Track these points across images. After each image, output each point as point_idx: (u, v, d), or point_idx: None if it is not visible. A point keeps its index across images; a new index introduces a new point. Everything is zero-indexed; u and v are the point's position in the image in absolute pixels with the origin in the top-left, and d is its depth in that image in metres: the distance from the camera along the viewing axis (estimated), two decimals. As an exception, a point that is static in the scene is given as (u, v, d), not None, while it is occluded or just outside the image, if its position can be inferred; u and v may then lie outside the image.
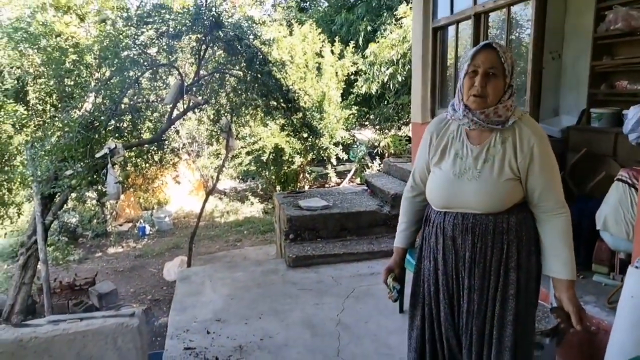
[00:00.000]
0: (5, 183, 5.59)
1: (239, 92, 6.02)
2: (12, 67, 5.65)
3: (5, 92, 5.53)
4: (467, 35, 4.19)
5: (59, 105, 5.63)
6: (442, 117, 1.71)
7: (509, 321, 1.56)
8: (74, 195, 5.16)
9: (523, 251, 1.57)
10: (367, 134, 12.56)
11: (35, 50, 5.35)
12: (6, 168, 5.47)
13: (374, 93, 10.14)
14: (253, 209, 11.51)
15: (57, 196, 5.19)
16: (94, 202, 6.72)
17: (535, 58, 3.01)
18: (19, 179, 5.41)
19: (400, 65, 9.45)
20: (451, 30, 4.46)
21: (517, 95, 3.48)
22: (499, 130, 1.54)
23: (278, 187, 10.74)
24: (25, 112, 5.53)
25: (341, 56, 10.59)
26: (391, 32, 9.81)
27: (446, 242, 1.61)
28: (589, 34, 3.50)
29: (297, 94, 6.30)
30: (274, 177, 10.85)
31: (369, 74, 9.98)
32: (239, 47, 5.21)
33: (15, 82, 5.69)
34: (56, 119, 5.14)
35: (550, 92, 4.04)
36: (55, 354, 2.18)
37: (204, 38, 5.18)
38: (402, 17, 9.46)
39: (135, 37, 5.06)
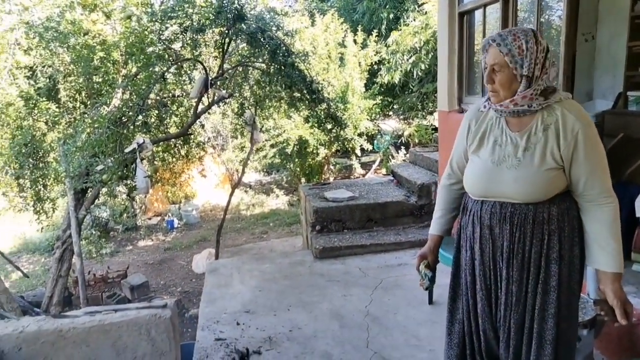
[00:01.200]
0: (40, 179, 5.77)
1: (263, 84, 6.03)
2: (44, 66, 5.81)
3: (38, 90, 5.70)
4: (495, 19, 4.06)
5: (89, 102, 5.76)
6: (480, 104, 1.67)
7: (550, 314, 1.52)
8: (105, 190, 5.29)
9: (565, 242, 1.51)
10: (391, 124, 12.44)
11: (65, 49, 5.48)
12: (41, 164, 5.65)
13: (397, 82, 10.00)
14: (278, 201, 11.58)
15: (89, 191, 5.33)
16: (124, 196, 6.88)
17: (568, 40, 2.89)
18: (53, 175, 5.58)
19: (423, 53, 9.28)
20: (478, 14, 4.33)
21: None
22: (539, 116, 1.49)
23: (303, 179, 10.76)
24: (57, 110, 5.68)
25: (364, 45, 10.47)
26: (414, 20, 9.64)
27: (483, 231, 1.57)
28: (625, 13, 3.34)
29: (320, 85, 6.27)
30: (298, 169, 10.87)
31: (392, 63, 9.84)
32: (262, 39, 5.21)
33: (47, 80, 5.84)
34: (86, 115, 5.26)
35: (583, 76, 3.89)
36: (92, 344, 2.24)
37: (227, 31, 5.20)
38: (424, 3, 9.27)
39: (160, 32, 5.12)
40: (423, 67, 9.38)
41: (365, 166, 12.05)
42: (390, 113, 12.34)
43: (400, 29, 9.72)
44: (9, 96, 5.41)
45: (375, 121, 11.34)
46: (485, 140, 1.59)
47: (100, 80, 5.66)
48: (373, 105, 10.52)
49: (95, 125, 4.74)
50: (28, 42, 5.71)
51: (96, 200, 5.78)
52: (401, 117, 11.68)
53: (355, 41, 10.25)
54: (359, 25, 10.98)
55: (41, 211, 6.06)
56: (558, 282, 1.51)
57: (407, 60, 9.48)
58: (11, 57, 5.60)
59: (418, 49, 9.32)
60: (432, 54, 8.90)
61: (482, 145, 1.59)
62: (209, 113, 6.90)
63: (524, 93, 1.45)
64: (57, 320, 2.28)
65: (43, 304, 5.46)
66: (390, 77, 9.82)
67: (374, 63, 10.45)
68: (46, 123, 5.68)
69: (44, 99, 5.63)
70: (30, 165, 5.60)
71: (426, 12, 9.27)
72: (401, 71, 9.66)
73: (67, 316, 2.35)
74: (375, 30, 10.86)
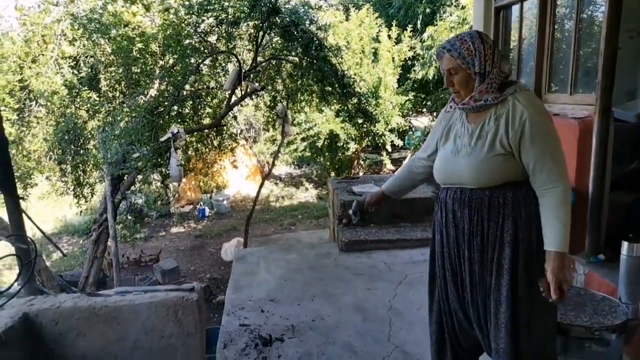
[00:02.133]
0: (80, 165, 6.03)
1: (295, 77, 6.08)
2: (86, 57, 6.05)
3: (80, 80, 5.94)
4: (533, 15, 3.95)
5: (127, 92, 5.96)
6: (450, 104, 1.82)
7: (504, 297, 1.59)
8: (140, 177, 5.48)
9: (522, 227, 1.58)
10: (423, 121, 12.29)
11: (107, 40, 5.68)
12: (81, 151, 5.90)
13: (431, 78, 9.86)
14: (307, 194, 11.66)
15: (125, 177, 5.54)
16: (159, 184, 7.10)
17: (610, 37, 2.78)
18: (92, 161, 5.81)
19: (459, 49, 9.10)
20: (515, 10, 4.22)
21: (589, 78, 3.26)
22: (494, 108, 1.60)
23: (332, 174, 10.79)
24: (98, 99, 5.91)
25: (398, 41, 10.36)
26: (450, 15, 9.46)
27: (448, 215, 1.71)
28: (674, 10, 3.19)
29: (352, 79, 6.27)
30: (328, 163, 10.91)
31: (426, 59, 9.70)
32: (295, 33, 5.25)
33: (89, 70, 6.08)
34: (124, 105, 5.46)
35: (625, 75, 3.72)
36: (122, 322, 2.35)
37: (261, 24, 5.27)
38: (462, -3, 9.10)
39: (197, 25, 5.24)
40: (458, 64, 9.19)
41: (396, 162, 11.96)
42: (423, 110, 12.18)
43: (437, 24, 9.56)
44: (54, 85, 5.66)
45: (407, 117, 11.23)
46: (450, 134, 1.74)
47: (139, 70, 5.85)
48: (405, 101, 10.42)
49: (133, 115, 4.91)
50: (73, 33, 5.95)
51: (132, 187, 6.00)
52: (434, 113, 11.51)
53: (389, 36, 10.15)
54: (394, 20, 10.86)
55: (80, 195, 6.34)
56: (511, 265, 1.58)
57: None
58: (57, 48, 5.85)
59: (454, 44, 9.15)
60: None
61: (447, 139, 1.74)
62: (241, 105, 7.02)
63: (479, 88, 1.58)
64: (91, 298, 2.40)
65: (79, 284, 5.72)
66: (425, 73, 9.69)
67: (407, 59, 10.33)
68: (87, 111, 5.92)
69: (85, 88, 5.87)
70: (72, 152, 5.85)
71: (463, 7, 9.08)
72: (436, 67, 9.51)
73: (100, 295, 2.47)
74: (410, 25, 10.72)
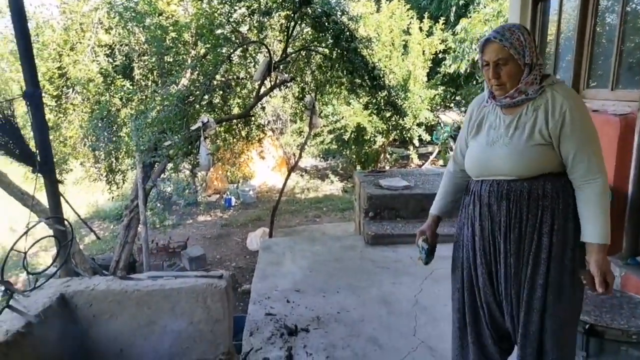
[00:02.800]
0: (113, 152, 6.18)
1: (325, 69, 6.06)
2: (121, 45, 6.17)
3: (115, 68, 6.07)
4: (572, 7, 3.81)
5: (159, 81, 6.06)
6: (482, 95, 1.78)
7: (538, 284, 1.60)
8: (170, 165, 5.58)
9: (559, 217, 1.58)
10: (451, 116, 12.08)
11: (141, 29, 5.78)
12: (114, 138, 6.04)
13: (462, 72, 9.66)
14: (333, 187, 11.66)
15: (156, 165, 5.65)
16: (187, 172, 7.22)
17: (657, 31, 2.67)
18: (124, 149, 5.95)
19: (493, 42, 8.87)
20: (554, 2, 4.08)
21: (632, 73, 3.14)
22: (531, 100, 1.59)
23: (358, 167, 10.75)
24: (131, 87, 6.03)
25: (429, 33, 10.19)
26: (485, 7, 9.22)
27: (482, 209, 1.68)
28: None
29: (382, 72, 6.21)
30: (354, 156, 10.87)
31: (459, 52, 9.50)
32: (326, 23, 5.23)
33: (124, 58, 6.20)
34: (157, 93, 5.55)
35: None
36: (153, 307, 2.41)
37: (292, 15, 5.26)
38: (498, -11, 8.84)
39: (229, 14, 5.27)
40: (492, 57, 8.96)
41: (423, 157, 11.83)
42: (452, 105, 11.97)
43: (470, 16, 9.35)
44: (90, 72, 5.81)
45: (435, 112, 11.06)
46: (483, 126, 1.72)
47: (171, 60, 5.93)
48: (435, 95, 10.26)
49: (165, 103, 4.99)
50: (109, 22, 6.07)
51: (162, 175, 6.11)
52: (463, 109, 11.30)
53: (420, 28, 9.99)
54: (426, 12, 10.68)
55: (113, 182, 6.51)
56: (548, 255, 1.58)
57: (476, 49, 9.11)
58: (94, 36, 5.99)
59: (488, 37, 8.92)
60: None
61: (480, 131, 1.73)
62: (270, 96, 7.05)
63: (527, 79, 1.57)
64: (123, 282, 2.47)
65: (110, 268, 5.89)
66: (457, 67, 9.49)
67: (438, 52, 10.15)
68: (121, 99, 6.05)
69: (120, 76, 5.99)
70: (105, 139, 6.00)
71: (498, -1, 8.85)
72: (468, 61, 9.31)
73: (132, 278, 2.54)
74: (442, 18, 10.52)
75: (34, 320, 2.10)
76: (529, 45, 1.56)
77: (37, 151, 2.75)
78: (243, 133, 7.05)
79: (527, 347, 1.64)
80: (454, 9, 10.72)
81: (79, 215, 3.12)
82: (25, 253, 2.22)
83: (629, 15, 3.44)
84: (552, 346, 1.62)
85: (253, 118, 6.78)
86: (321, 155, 13.28)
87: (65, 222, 2.65)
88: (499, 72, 1.58)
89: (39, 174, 2.78)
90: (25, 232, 2.23)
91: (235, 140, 7.19)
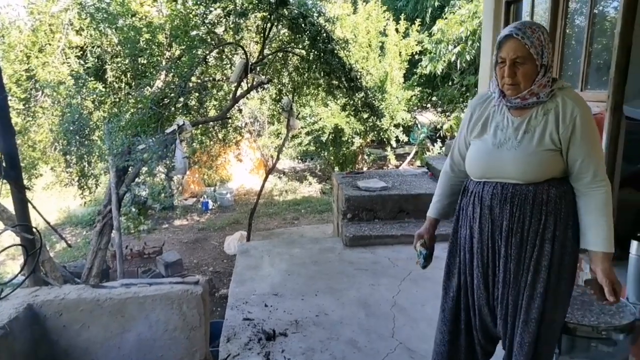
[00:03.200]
0: (85, 156, 6.02)
1: (302, 71, 6.04)
2: (93, 47, 6.02)
3: (87, 70, 5.92)
4: (543, 10, 3.90)
5: (133, 83, 5.94)
6: (484, 93, 1.74)
7: (538, 293, 1.58)
8: (145, 169, 5.47)
9: (560, 224, 1.57)
10: (428, 117, 12.21)
11: (114, 30, 5.65)
12: (86, 142, 5.89)
13: (439, 73, 9.78)
14: (311, 188, 11.64)
15: (130, 169, 5.53)
16: (163, 176, 7.10)
17: (623, 32, 2.74)
18: (97, 153, 5.81)
19: (469, 43, 9.01)
20: (526, 4, 4.16)
21: (600, 74, 3.21)
22: (542, 102, 1.56)
23: (336, 168, 10.76)
24: (104, 90, 5.89)
25: (406, 35, 10.28)
26: (460, 8, 9.36)
27: (483, 211, 1.63)
28: (689, 6, 3.13)
29: (359, 73, 6.23)
30: (332, 157, 10.88)
31: (435, 53, 9.62)
32: (303, 25, 5.21)
33: (96, 60, 6.06)
34: (130, 96, 5.44)
35: (637, 72, 3.68)
36: (127, 315, 2.34)
37: (269, 16, 5.23)
38: (474, -9, 8.99)
39: (204, 16, 5.21)
40: (468, 58, 9.11)
41: (400, 158, 11.92)
42: (428, 105, 12.11)
43: (446, 18, 9.47)
44: (60, 75, 5.64)
45: (412, 113, 11.17)
46: (488, 125, 1.66)
47: (145, 61, 5.82)
48: (411, 96, 10.35)
49: (139, 106, 4.89)
50: (80, 23, 5.92)
51: (136, 179, 5.99)
52: (439, 109, 11.44)
53: (397, 30, 10.08)
54: (402, 14, 10.77)
55: (85, 186, 6.34)
56: (549, 262, 1.56)
57: (452, 50, 9.24)
58: (64, 37, 5.83)
59: (464, 38, 9.06)
60: (478, 44, 8.64)
61: (485, 130, 1.66)
62: (247, 98, 6.99)
63: (541, 81, 1.52)
64: (95, 290, 2.39)
65: (83, 275, 5.74)
66: (433, 67, 9.60)
67: (415, 53, 10.26)
68: (93, 102, 5.90)
69: (92, 78, 5.85)
70: (77, 143, 5.85)
71: (472, 0, 8.98)
72: (444, 61, 9.43)
73: (105, 287, 2.46)
74: (418, 19, 10.63)
75: (-2, 333, 2.01)
76: (547, 45, 1.51)
77: (2, 157, 2.65)
78: (220, 135, 6.97)
79: (520, 355, 1.62)
80: (429, 10, 10.85)
81: (48, 222, 3.02)
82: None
83: (596, 17, 3.53)
84: (543, 351, 1.62)
85: (230, 120, 6.71)
86: (299, 157, 13.25)
87: (34, 230, 2.55)
88: (515, 71, 1.51)
89: (5, 181, 2.67)
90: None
91: (212, 143, 7.11)
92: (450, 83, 10.47)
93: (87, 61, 6.02)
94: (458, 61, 9.23)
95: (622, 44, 2.70)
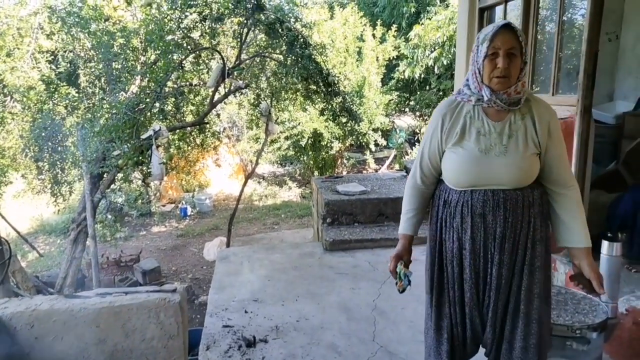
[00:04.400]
0: (58, 162, 5.88)
1: (279, 75, 6.04)
2: (65, 51, 5.90)
3: (59, 75, 5.79)
4: (515, 16, 3.99)
5: (107, 88, 5.83)
6: (451, 99, 1.68)
7: (535, 294, 1.59)
8: (120, 175, 5.37)
9: (544, 224, 1.61)
10: (406, 120, 12.35)
11: (86, 35, 5.55)
12: (59, 148, 5.75)
13: (417, 77, 9.92)
14: (291, 193, 11.62)
15: (105, 176, 5.42)
16: (139, 182, 6.98)
17: (590, 39, 2.82)
18: (70, 159, 5.68)
19: (446, 48, 9.17)
20: (499, 10, 4.26)
21: (570, 79, 3.31)
22: (517, 108, 1.57)
23: (316, 172, 10.77)
24: (77, 95, 5.77)
25: (382, 40, 10.39)
26: (436, 13, 9.52)
27: (474, 220, 1.58)
28: (652, 14, 3.27)
29: (337, 78, 6.26)
30: (312, 162, 10.89)
31: (412, 58, 9.75)
32: (280, 30, 5.22)
33: (68, 65, 5.94)
34: (104, 101, 5.34)
35: (605, 76, 3.82)
36: (102, 325, 2.29)
37: (245, 21, 5.22)
38: (449, -3, 9.16)
39: (180, 20, 5.16)
40: (445, 63, 9.26)
41: (379, 161, 12.01)
42: (406, 110, 12.26)
43: (422, 23, 9.62)
44: (30, 80, 5.51)
45: (390, 117, 11.28)
46: (467, 132, 1.59)
47: (120, 66, 5.73)
48: (389, 100, 10.46)
49: (113, 111, 4.81)
50: (50, 27, 5.80)
51: (112, 185, 5.87)
52: (417, 114, 11.58)
53: (374, 35, 10.18)
54: (379, 20, 10.89)
55: (58, 194, 6.18)
56: (542, 263, 1.60)
57: (429, 55, 9.38)
58: (34, 41, 5.70)
59: (441, 43, 9.21)
60: (454, 49, 8.79)
61: (464, 137, 1.60)
62: (225, 103, 6.95)
63: (523, 79, 1.53)
64: (69, 300, 2.33)
65: (57, 285, 5.58)
66: (411, 72, 9.72)
67: (391, 58, 10.37)
68: (66, 107, 5.77)
69: (64, 83, 5.73)
70: (49, 149, 5.71)
71: (448, 5, 9.15)
72: (422, 66, 9.56)
73: (79, 296, 2.40)
74: (395, 25, 10.76)
75: (-34, 348, 1.94)
76: (526, 43, 1.54)
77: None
78: (198, 141, 6.91)
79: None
80: (405, 16, 11.00)
81: (17, 231, 2.93)
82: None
83: (565, 24, 3.64)
84: (545, 352, 1.64)
85: (208, 125, 6.65)
86: (279, 162, 13.22)
87: (2, 240, 2.47)
88: (509, 62, 1.48)
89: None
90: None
91: (189, 148, 7.03)
92: (427, 87, 10.62)
93: (59, 66, 5.90)
94: (435, 66, 9.38)
95: (590, 50, 2.78)
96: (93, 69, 5.88)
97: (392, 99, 10.62)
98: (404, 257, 1.74)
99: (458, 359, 1.74)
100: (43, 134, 5.56)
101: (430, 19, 9.53)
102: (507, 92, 1.51)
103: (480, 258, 1.60)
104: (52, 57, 5.99)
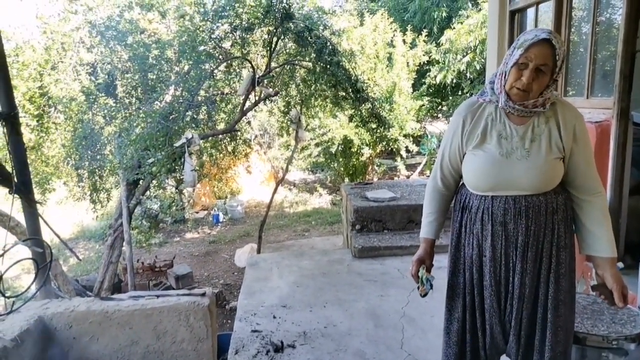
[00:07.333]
0: (97, 170, 6.11)
1: (309, 83, 6.10)
2: (103, 64, 6.14)
3: (98, 86, 6.03)
4: (548, 18, 3.90)
5: (143, 98, 6.03)
6: (472, 100, 1.64)
7: (561, 301, 1.56)
8: (154, 182, 5.53)
9: (569, 231, 1.58)
10: (439, 126, 12.19)
11: (123, 47, 5.77)
12: (98, 157, 5.97)
13: (449, 82, 9.78)
14: (321, 200, 11.64)
15: (140, 183, 5.60)
16: (173, 189, 7.16)
17: (627, 39, 2.73)
18: (108, 167, 5.89)
19: (478, 53, 9.01)
20: (530, 13, 4.17)
21: (607, 81, 3.20)
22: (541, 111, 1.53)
23: (346, 179, 10.75)
24: (114, 105, 5.99)
25: (413, 45, 10.32)
26: (467, 17, 9.38)
27: (495, 227, 1.55)
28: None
29: (365, 84, 6.27)
30: (342, 168, 10.88)
31: (444, 63, 9.63)
32: (309, 38, 5.28)
33: (106, 77, 6.18)
34: (140, 110, 5.52)
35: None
36: (135, 327, 2.37)
37: (275, 30, 5.31)
38: (484, 1, 9.00)
39: (211, 31, 5.30)
40: (477, 67, 9.10)
41: (411, 168, 11.89)
42: (439, 115, 12.09)
43: (454, 28, 9.50)
44: (72, 91, 5.76)
45: (422, 122, 11.16)
46: (488, 134, 1.57)
47: (154, 77, 5.92)
48: (420, 106, 10.36)
49: (148, 120, 4.97)
50: (91, 41, 6.06)
51: (147, 192, 6.05)
52: (449, 119, 11.41)
53: (404, 41, 10.13)
54: (409, 25, 10.83)
55: (97, 201, 6.41)
56: (566, 269, 1.56)
57: (462, 59, 9.25)
58: (76, 55, 5.96)
59: (473, 48, 9.06)
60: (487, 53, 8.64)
61: (486, 139, 1.57)
62: (255, 111, 7.06)
63: (547, 95, 1.49)
64: (104, 302, 2.42)
65: (95, 289, 5.78)
66: (443, 77, 9.61)
67: (422, 63, 10.28)
68: (104, 117, 6.00)
69: (102, 94, 5.96)
70: (89, 157, 5.94)
71: (480, 9, 9.00)
72: (454, 71, 9.43)
73: (113, 299, 2.49)
74: (425, 30, 10.68)
75: (9, 345, 2.04)
76: (564, 61, 1.47)
77: (14, 172, 2.70)
78: (229, 148, 7.03)
79: None
80: (437, 21, 10.90)
81: (58, 237, 3.07)
82: (0, 276, 2.17)
83: (601, 25, 3.53)
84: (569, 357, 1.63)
85: (239, 133, 6.77)
86: (309, 169, 13.28)
87: (44, 243, 2.60)
88: (535, 78, 1.43)
89: (17, 195, 2.73)
90: (1, 255, 2.18)
91: (221, 155, 7.16)
92: (460, 92, 10.46)
93: (97, 77, 6.14)
94: (467, 70, 9.23)
95: (626, 50, 2.69)
96: (130, 80, 6.09)
97: (424, 105, 10.50)
98: (425, 261, 1.74)
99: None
100: (83, 143, 5.79)
101: (461, 23, 9.40)
102: (524, 104, 1.49)
103: (501, 266, 1.57)
104: (92, 69, 6.25)
